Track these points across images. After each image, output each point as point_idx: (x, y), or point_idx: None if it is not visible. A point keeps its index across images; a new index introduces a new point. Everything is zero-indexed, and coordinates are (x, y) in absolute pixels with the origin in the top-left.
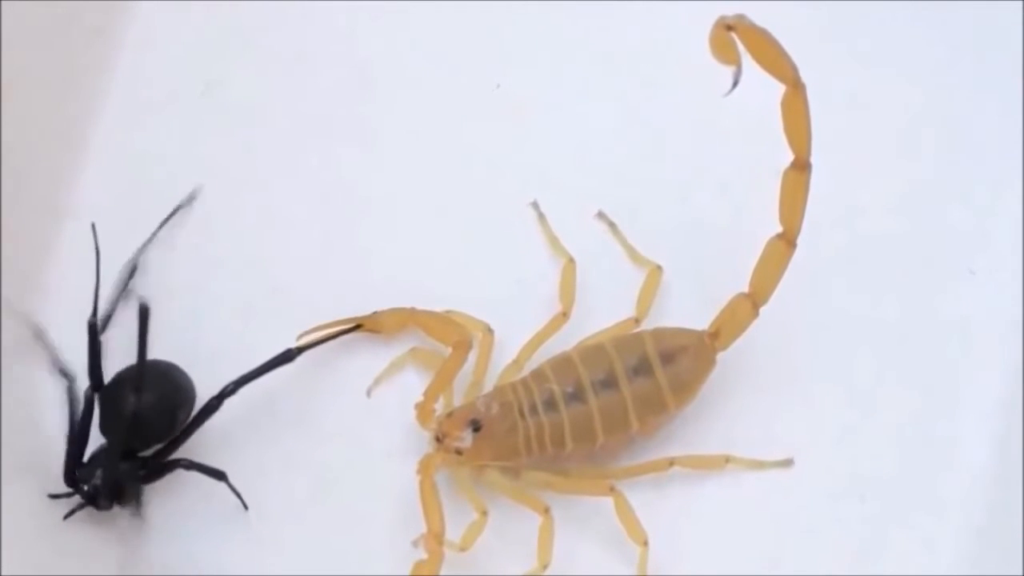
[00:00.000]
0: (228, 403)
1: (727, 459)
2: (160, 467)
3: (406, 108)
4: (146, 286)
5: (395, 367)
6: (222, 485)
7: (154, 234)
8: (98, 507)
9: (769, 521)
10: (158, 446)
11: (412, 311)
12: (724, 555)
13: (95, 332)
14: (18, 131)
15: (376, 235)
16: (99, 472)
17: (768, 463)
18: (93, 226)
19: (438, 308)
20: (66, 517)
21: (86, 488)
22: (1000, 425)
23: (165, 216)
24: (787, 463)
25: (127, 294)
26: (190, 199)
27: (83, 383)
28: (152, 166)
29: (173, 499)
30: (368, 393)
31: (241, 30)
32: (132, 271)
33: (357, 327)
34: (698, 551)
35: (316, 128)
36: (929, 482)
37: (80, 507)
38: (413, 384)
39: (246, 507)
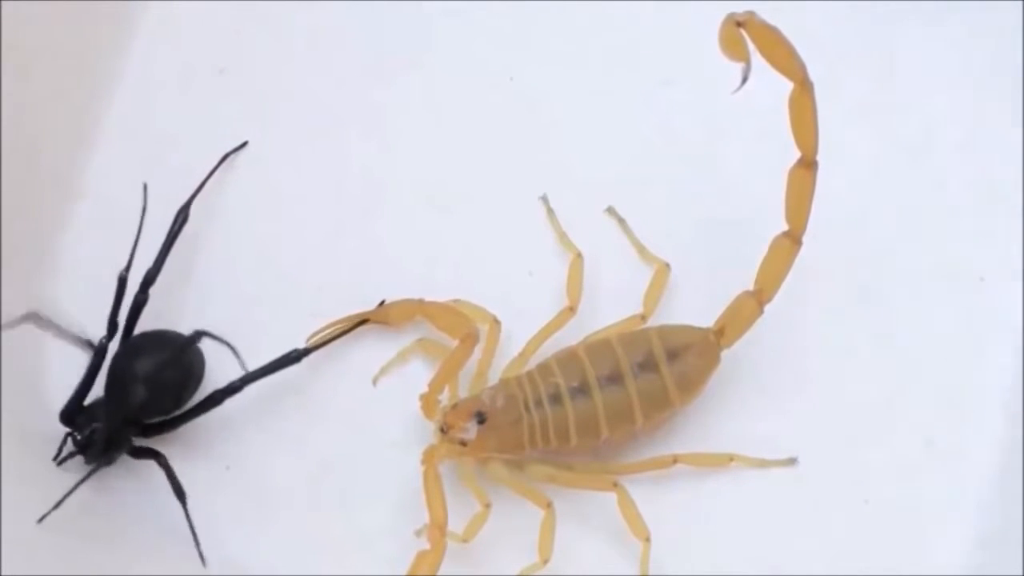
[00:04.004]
0: None
1: (731, 457)
2: (140, 450)
3: (419, 97)
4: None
5: (401, 357)
6: (226, 473)
7: (202, 184)
8: (86, 459)
9: (772, 520)
10: (157, 419)
11: (420, 302)
12: (726, 553)
13: (123, 284)
14: (32, 112)
15: (387, 224)
16: (95, 425)
17: (772, 462)
18: (145, 186)
19: (445, 299)
20: (57, 460)
21: (79, 437)
22: (1006, 430)
23: (210, 170)
24: (791, 462)
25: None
26: (237, 149)
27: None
28: (164, 150)
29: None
30: (374, 382)
31: (255, 16)
32: (182, 222)
33: (365, 321)
34: (700, 548)
35: (329, 116)
36: (933, 486)
37: (71, 455)
38: (419, 374)
39: (196, 541)
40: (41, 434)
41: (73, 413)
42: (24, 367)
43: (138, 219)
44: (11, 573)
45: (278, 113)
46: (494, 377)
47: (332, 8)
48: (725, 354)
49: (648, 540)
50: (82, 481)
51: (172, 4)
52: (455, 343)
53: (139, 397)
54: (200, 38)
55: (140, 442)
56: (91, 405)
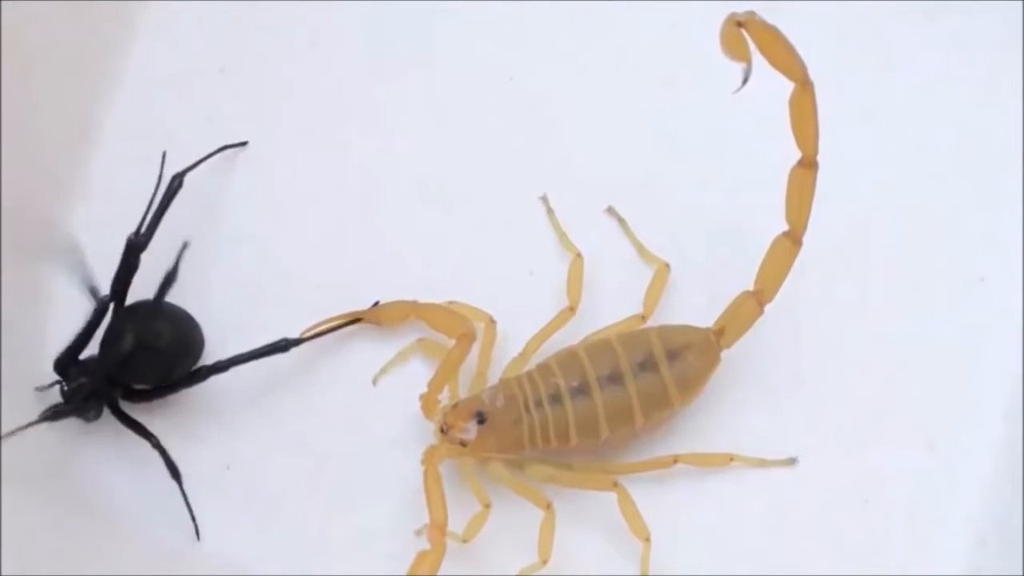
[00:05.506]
0: (233, 387)
1: (731, 457)
2: (131, 421)
3: (419, 96)
4: (155, 269)
5: (402, 357)
6: (226, 473)
7: (201, 160)
8: (66, 409)
9: (771, 520)
10: (145, 386)
11: (414, 303)
12: (725, 553)
13: (132, 249)
14: (32, 112)
15: (387, 223)
16: (82, 380)
17: (772, 462)
18: (164, 155)
19: (444, 299)
20: (38, 388)
21: (65, 388)
22: (1006, 431)
23: (211, 151)
24: (791, 462)
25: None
26: (238, 145)
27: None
28: (164, 150)
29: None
30: (374, 382)
31: (255, 15)
32: (177, 187)
33: (357, 320)
34: (700, 548)
35: (329, 115)
36: (933, 487)
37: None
38: (419, 374)
39: (192, 516)
40: (41, 433)
41: (67, 363)
42: (26, 364)
43: (148, 195)
44: (11, 573)
45: (278, 113)
46: (494, 377)
47: (332, 8)
48: (725, 354)
49: (648, 540)
50: (48, 420)
51: (172, 4)
52: (453, 343)
53: (126, 358)
54: (200, 38)
55: (128, 409)
56: (85, 360)
